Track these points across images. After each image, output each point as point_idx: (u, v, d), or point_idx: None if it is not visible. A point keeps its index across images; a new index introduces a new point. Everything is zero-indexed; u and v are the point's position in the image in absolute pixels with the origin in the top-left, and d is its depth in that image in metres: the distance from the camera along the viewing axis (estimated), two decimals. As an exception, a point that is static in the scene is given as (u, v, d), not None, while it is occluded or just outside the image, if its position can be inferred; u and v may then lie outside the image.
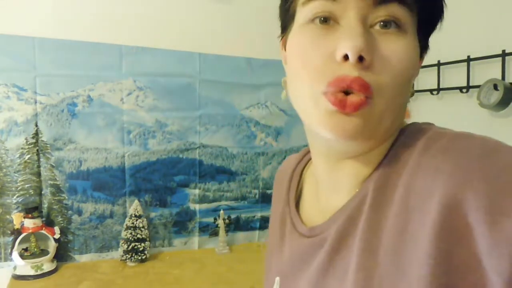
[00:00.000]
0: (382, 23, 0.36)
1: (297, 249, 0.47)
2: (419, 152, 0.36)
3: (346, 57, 0.35)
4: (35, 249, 1.44)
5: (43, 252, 1.45)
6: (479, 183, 0.31)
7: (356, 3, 0.36)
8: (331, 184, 0.45)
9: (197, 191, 1.75)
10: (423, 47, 0.41)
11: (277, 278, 0.51)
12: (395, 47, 0.36)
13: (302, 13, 0.39)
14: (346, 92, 0.35)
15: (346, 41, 0.34)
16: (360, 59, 0.34)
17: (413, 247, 0.34)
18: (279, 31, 0.47)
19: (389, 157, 0.40)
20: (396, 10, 0.36)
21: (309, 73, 0.37)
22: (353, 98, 0.35)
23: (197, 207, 1.76)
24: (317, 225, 0.45)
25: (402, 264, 0.34)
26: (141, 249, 1.55)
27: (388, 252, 0.36)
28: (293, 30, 0.41)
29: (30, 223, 1.42)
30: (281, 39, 0.46)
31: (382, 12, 0.36)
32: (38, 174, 1.49)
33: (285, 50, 0.45)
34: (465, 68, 1.41)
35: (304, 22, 0.39)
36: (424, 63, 0.44)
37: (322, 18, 0.37)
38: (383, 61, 0.36)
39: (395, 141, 0.41)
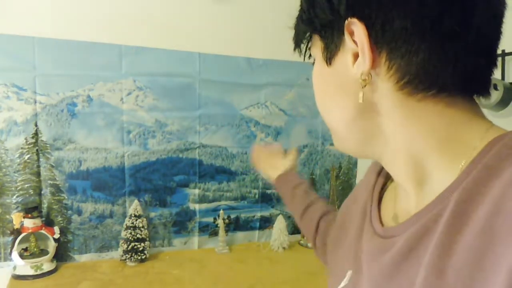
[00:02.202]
0: None
1: (368, 247, 0.47)
2: None
3: None
4: (35, 249, 1.44)
5: (43, 252, 1.45)
6: None
7: None
8: (403, 187, 0.44)
9: (196, 191, 1.75)
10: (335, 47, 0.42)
11: (349, 272, 0.50)
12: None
13: None
14: None
15: None
16: None
17: (494, 281, 0.29)
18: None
19: (479, 167, 0.35)
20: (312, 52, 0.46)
21: None
22: None
23: (196, 207, 1.76)
24: (390, 227, 0.44)
25: None
26: (140, 249, 1.56)
27: (459, 274, 0.32)
28: None
29: (29, 223, 1.42)
30: None
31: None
32: (38, 174, 1.49)
33: None
34: (465, 68, 1.41)
35: None
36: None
37: None
38: None
39: (486, 150, 0.36)
